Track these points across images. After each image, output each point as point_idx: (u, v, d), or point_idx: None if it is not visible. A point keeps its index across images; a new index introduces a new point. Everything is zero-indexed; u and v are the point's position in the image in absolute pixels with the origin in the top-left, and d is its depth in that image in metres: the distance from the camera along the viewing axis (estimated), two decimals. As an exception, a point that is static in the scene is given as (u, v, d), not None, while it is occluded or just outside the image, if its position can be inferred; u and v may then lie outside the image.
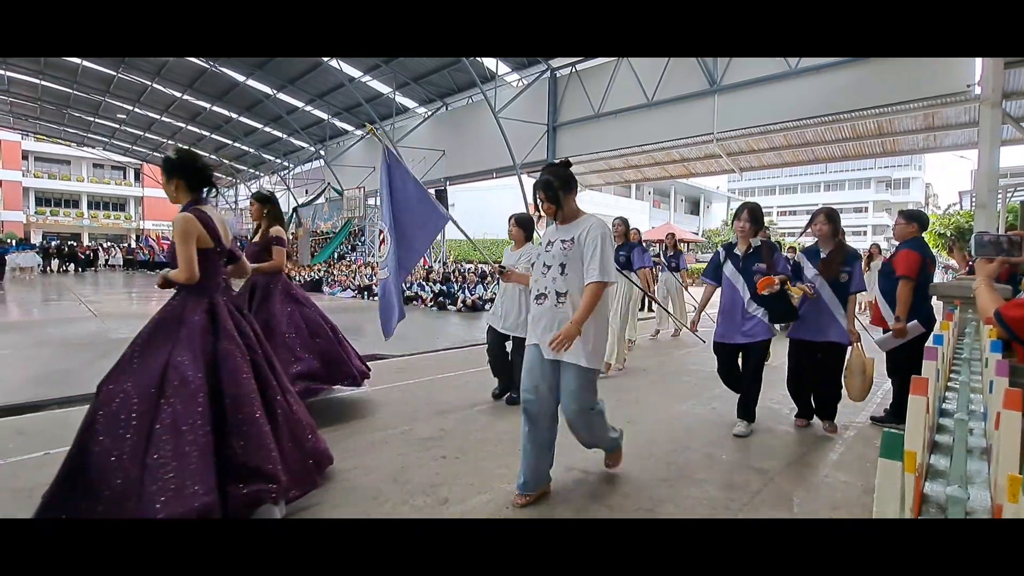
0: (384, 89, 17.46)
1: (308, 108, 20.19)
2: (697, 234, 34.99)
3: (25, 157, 35.63)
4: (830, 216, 3.56)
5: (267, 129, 23.09)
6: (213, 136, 25.11)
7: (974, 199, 10.41)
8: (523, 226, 4.14)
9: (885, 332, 3.56)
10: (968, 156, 17.97)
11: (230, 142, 25.66)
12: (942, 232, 17.30)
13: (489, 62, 14.56)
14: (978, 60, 8.30)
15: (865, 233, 45.71)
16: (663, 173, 15.81)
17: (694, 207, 43.96)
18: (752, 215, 3.48)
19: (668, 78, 11.95)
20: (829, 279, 3.47)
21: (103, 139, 28.96)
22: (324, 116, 20.78)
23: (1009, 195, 11.52)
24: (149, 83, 19.56)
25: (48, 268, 23.75)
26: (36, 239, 30.86)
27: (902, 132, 10.81)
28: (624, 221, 5.92)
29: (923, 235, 3.62)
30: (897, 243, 3.66)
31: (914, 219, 3.58)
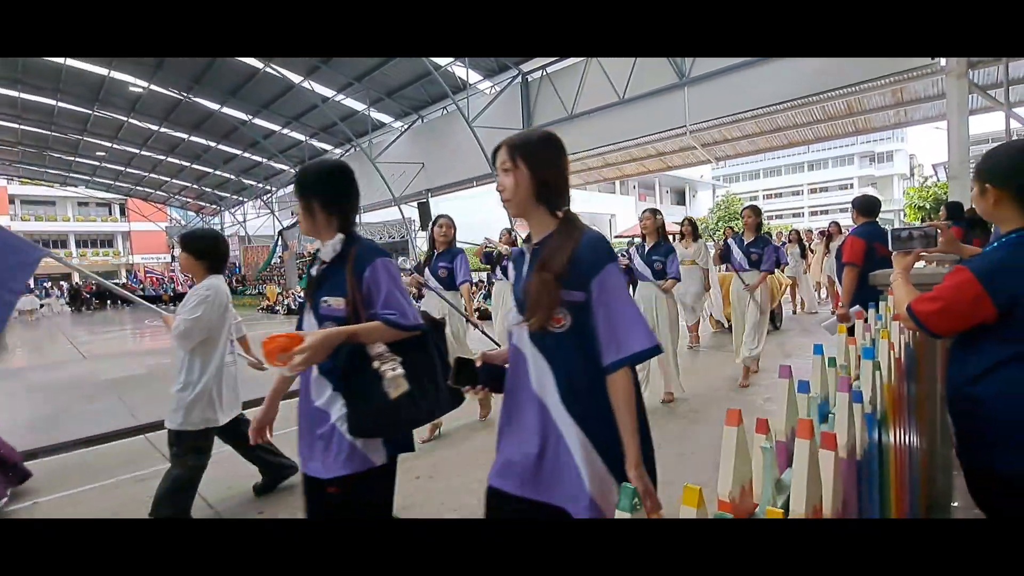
0: (359, 106, 17.49)
1: (285, 131, 20.20)
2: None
3: (12, 201, 35.58)
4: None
5: (246, 155, 23.09)
6: (193, 166, 25.11)
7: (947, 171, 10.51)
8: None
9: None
10: (943, 127, 18.12)
11: (211, 170, 25.63)
12: (920, 205, 17.41)
13: (460, 71, 14.62)
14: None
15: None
16: (641, 169, 15.89)
17: (680, 197, 44.13)
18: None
19: (638, 74, 12.03)
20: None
21: (85, 177, 28.90)
22: (302, 138, 20.80)
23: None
24: (125, 119, 19.55)
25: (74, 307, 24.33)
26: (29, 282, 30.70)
27: (873, 109, 10.90)
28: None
29: (875, 219, 3.66)
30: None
31: (855, 207, 3.73)
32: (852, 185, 48.54)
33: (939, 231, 1.69)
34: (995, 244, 1.34)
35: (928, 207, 16.73)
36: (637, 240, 7.05)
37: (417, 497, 2.85)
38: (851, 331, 1.76)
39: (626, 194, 36.18)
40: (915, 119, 11.54)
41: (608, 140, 13.17)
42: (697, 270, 6.75)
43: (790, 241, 10.41)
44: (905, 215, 23.57)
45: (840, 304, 3.49)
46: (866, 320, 1.82)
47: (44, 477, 3.42)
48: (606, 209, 32.02)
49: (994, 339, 1.30)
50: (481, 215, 24.30)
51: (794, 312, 10.07)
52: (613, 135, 13.00)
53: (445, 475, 3.13)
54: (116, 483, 3.39)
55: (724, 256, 5.18)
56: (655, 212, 4.57)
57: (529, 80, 14.47)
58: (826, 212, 48.04)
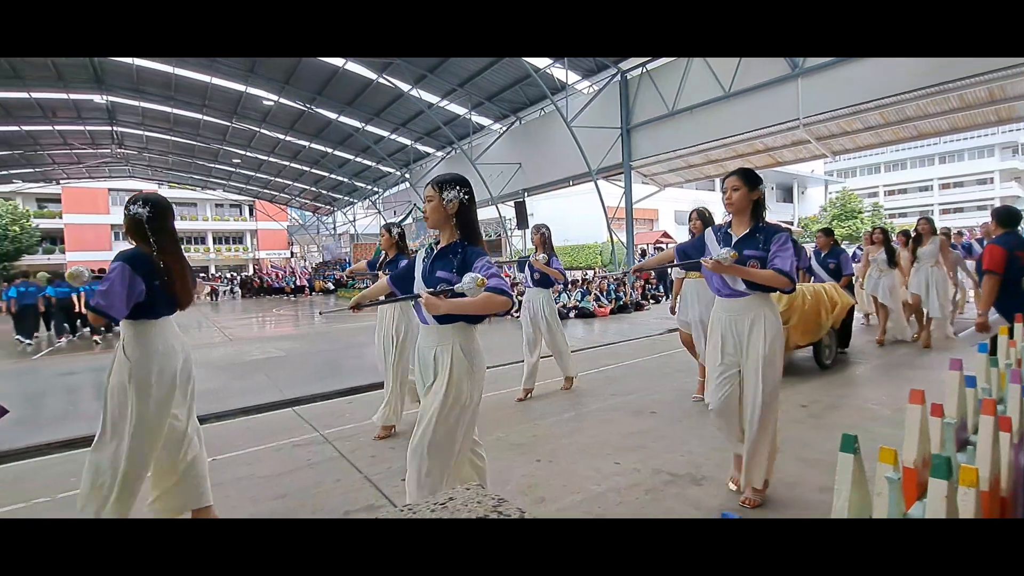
0: (460, 111, 18.30)
1: (393, 136, 21.59)
2: (792, 223, 32.81)
3: (161, 203, 40.97)
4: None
5: (358, 159, 24.93)
6: (312, 170, 27.51)
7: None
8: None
9: None
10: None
11: (327, 174, 27.96)
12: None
13: (559, 72, 14.84)
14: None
15: (992, 207, 40.45)
16: (746, 165, 15.14)
17: (787, 194, 41.20)
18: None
19: (745, 67, 11.55)
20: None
21: (222, 181, 32.68)
22: (408, 142, 22.10)
23: None
24: (257, 129, 21.91)
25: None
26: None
27: (1019, 96, 9.67)
28: (701, 213, 4.73)
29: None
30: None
31: (994, 218, 3.71)
32: (992, 180, 42.76)
33: None
34: None
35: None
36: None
37: (539, 479, 3.10)
38: (993, 347, 1.69)
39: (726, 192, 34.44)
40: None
41: (711, 136, 12.76)
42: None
43: (872, 243, 7.07)
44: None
45: (979, 312, 3.35)
46: (1011, 334, 1.68)
47: (217, 439, 4.07)
48: (706, 207, 30.66)
49: None
50: (577, 212, 24.45)
51: (882, 343, 6.56)
52: (717, 130, 12.59)
53: (564, 460, 3.36)
54: (278, 446, 3.97)
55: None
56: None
57: (628, 78, 14.36)
58: (960, 210, 42.72)
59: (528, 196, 18.69)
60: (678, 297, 4.72)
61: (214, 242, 43.12)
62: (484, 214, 21.76)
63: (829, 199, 38.85)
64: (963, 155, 44.27)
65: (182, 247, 2.55)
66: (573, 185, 16.92)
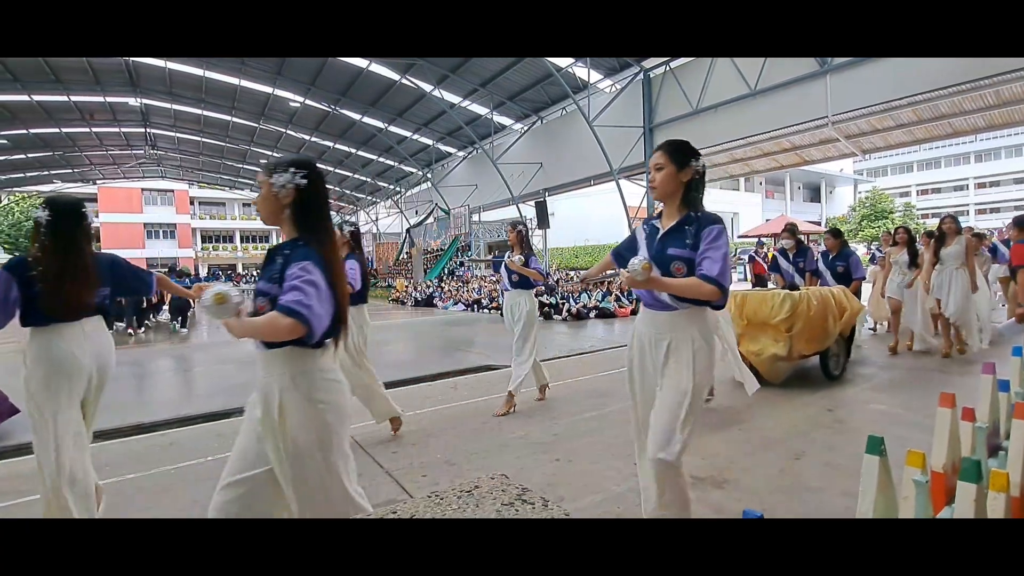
0: (482, 111, 18.37)
1: (415, 136, 21.78)
2: (819, 223, 32.07)
3: (192, 203, 42.09)
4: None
5: (381, 159, 25.21)
6: (336, 171, 27.92)
7: None
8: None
9: None
10: None
11: (351, 174, 28.35)
12: None
13: (581, 71, 14.78)
14: None
15: (1035, 206, 38.97)
16: (773, 164, 14.92)
17: (814, 194, 40.35)
18: None
19: (772, 65, 11.34)
20: None
21: (250, 181, 33.37)
22: (429, 142, 22.27)
23: None
24: (283, 130, 22.33)
25: None
26: (203, 272, 36.51)
27: (1063, 91, 9.32)
28: (792, 229, 5.99)
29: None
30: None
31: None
32: (1035, 178, 41.18)
33: None
34: None
35: None
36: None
37: (559, 477, 3.10)
38: None
39: (751, 191, 33.93)
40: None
41: (736, 135, 12.56)
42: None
43: (898, 242, 6.40)
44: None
45: (1019, 304, 3.28)
46: None
47: (211, 438, 4.16)
48: (729, 207, 30.30)
49: None
50: (598, 212, 24.32)
51: (894, 352, 6.20)
52: (742, 129, 12.38)
53: (584, 460, 3.35)
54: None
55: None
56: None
57: (651, 76, 14.23)
58: (996, 210, 41.19)
59: (549, 196, 18.66)
60: None
61: (241, 240, 44.09)
62: (505, 213, 21.81)
63: (858, 199, 37.87)
64: (1000, 153, 42.69)
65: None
66: (594, 184, 16.83)
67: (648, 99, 14.33)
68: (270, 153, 25.80)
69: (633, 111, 14.50)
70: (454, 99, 17.71)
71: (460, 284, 18.77)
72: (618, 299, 11.79)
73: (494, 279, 17.58)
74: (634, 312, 11.48)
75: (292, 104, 19.57)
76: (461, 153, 22.88)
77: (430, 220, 25.65)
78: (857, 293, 5.67)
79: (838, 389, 4.73)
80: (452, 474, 3.23)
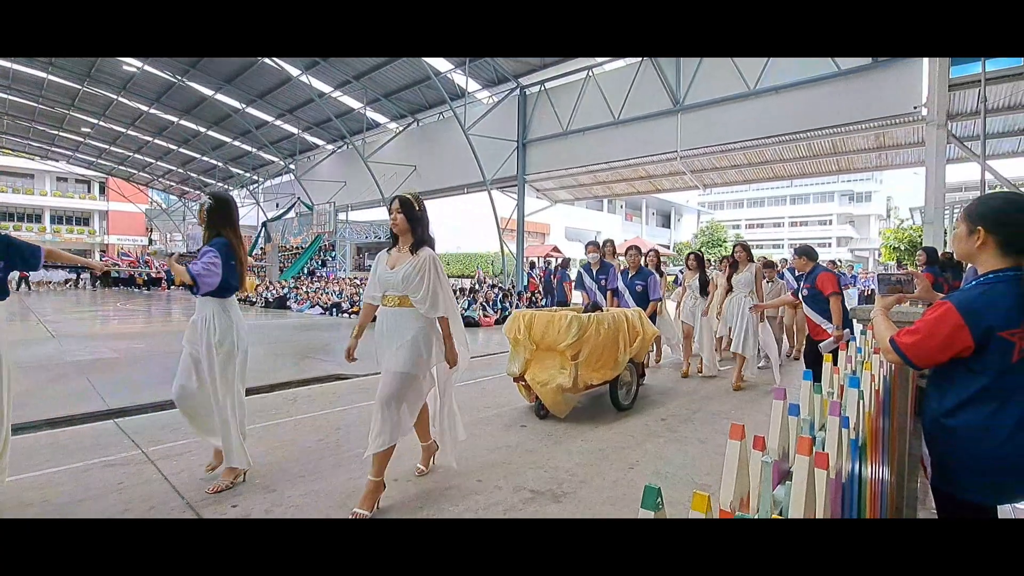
0: (355, 104, 17.49)
1: (278, 122, 20.07)
2: (668, 247, 35.70)
3: (-13, 171, 34.56)
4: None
5: (236, 143, 22.85)
6: (180, 150, 24.74)
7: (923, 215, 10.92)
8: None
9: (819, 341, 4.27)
10: (921, 172, 18.80)
11: (198, 156, 25.28)
12: (895, 246, 18.01)
13: (459, 79, 14.74)
14: (924, 83, 8.77)
15: (829, 244, 47.27)
16: (630, 189, 16.15)
17: (666, 220, 44.83)
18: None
19: (633, 97, 12.27)
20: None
21: (67, 152, 28.26)
22: (294, 130, 20.68)
23: (956, 210, 12.12)
24: (115, 96, 19.23)
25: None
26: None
27: (855, 151, 11.29)
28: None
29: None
30: (799, 271, 4.56)
31: (803, 254, 4.47)
32: (831, 221, 49.95)
33: (916, 278, 1.90)
34: (973, 283, 1.43)
35: (903, 248, 17.30)
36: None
37: (405, 493, 2.86)
38: (835, 359, 1.82)
39: (613, 212, 36.63)
40: (895, 163, 11.99)
41: (600, 159, 13.38)
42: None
43: (689, 268, 6.53)
44: (881, 255, 24.46)
45: (836, 326, 4.00)
46: (835, 360, 1.84)
47: (11, 455, 3.32)
48: (592, 226, 32.39)
49: (967, 373, 1.39)
50: (471, 220, 24.40)
51: (686, 375, 6.15)
52: (605, 154, 13.22)
53: (426, 476, 3.14)
54: (85, 466, 3.31)
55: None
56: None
57: (527, 93, 14.64)
58: (805, 246, 49.25)
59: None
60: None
61: (52, 221, 37.14)
62: (375, 215, 20.97)
63: (700, 227, 42.85)
64: (809, 198, 51.24)
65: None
66: (468, 193, 16.84)
67: (523, 115, 14.72)
68: (95, 121, 22.07)
69: (508, 124, 14.78)
70: (324, 88, 16.64)
71: (320, 285, 17.56)
72: (484, 308, 11.80)
73: (357, 282, 16.70)
74: (498, 322, 11.57)
75: (127, 68, 16.92)
76: (330, 147, 21.57)
77: (290, 215, 23.79)
78: (652, 316, 5.59)
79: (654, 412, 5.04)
80: (270, 502, 2.82)
